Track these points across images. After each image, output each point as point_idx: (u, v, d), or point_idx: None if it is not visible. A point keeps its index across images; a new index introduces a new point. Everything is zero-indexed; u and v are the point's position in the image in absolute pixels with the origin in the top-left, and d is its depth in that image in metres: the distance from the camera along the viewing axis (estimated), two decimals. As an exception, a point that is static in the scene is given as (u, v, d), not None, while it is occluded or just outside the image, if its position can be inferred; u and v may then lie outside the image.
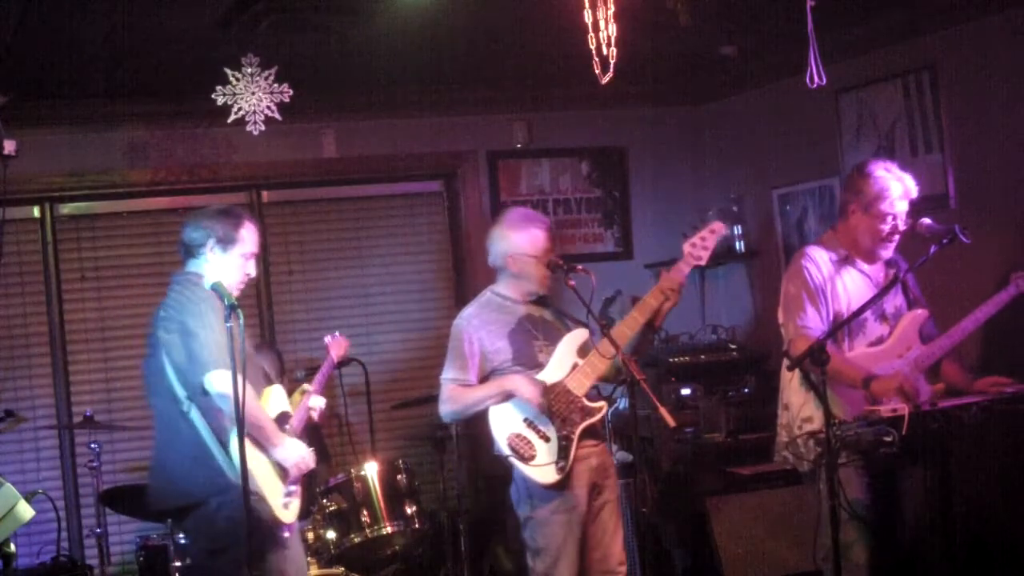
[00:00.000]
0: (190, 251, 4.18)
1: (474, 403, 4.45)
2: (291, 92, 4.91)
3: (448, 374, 4.52)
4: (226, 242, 4.13)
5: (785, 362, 4.39)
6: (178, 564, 5.10)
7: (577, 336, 4.45)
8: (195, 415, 3.94)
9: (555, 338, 4.46)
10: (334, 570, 5.16)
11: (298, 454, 4.07)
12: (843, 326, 4.27)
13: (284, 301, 6.61)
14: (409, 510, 5.52)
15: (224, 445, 3.92)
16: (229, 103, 4.89)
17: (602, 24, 3.71)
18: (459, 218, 6.82)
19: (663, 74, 6.64)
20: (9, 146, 5.34)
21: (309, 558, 5.01)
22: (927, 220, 4.31)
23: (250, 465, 3.80)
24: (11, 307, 6.17)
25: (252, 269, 4.22)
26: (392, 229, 6.80)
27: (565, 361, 4.40)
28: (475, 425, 6.33)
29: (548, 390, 4.32)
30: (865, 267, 4.42)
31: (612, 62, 3.73)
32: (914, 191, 4.36)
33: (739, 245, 6.83)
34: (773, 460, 4.60)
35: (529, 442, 4.32)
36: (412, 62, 5.87)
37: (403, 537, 5.51)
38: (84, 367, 6.27)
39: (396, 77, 6.19)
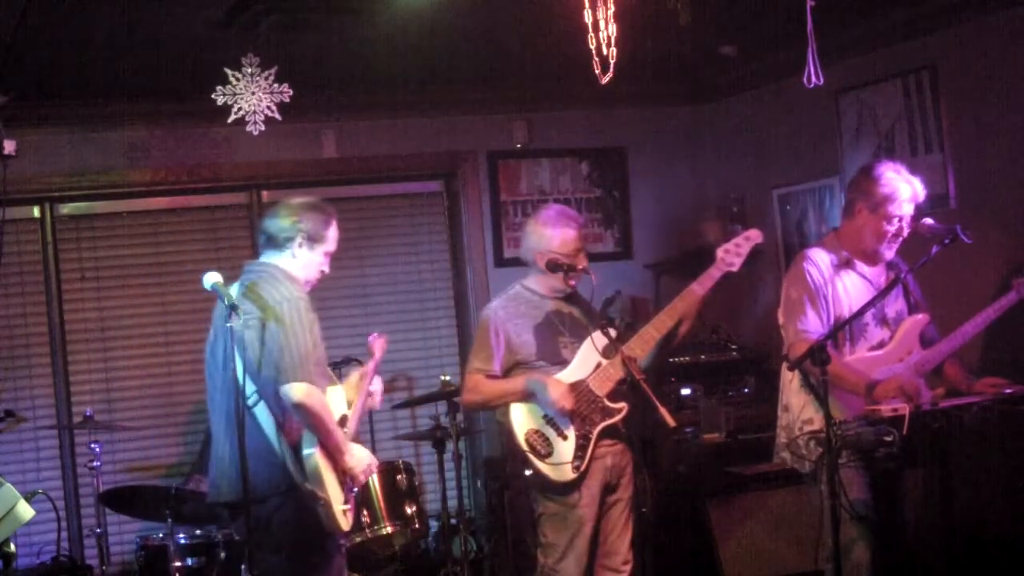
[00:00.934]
0: (274, 242, 4.01)
1: (496, 397, 4.46)
2: (291, 92, 4.90)
3: (474, 364, 4.53)
4: (314, 239, 4.02)
5: (786, 364, 4.39)
6: (177, 564, 5.11)
7: (603, 336, 4.44)
8: (261, 411, 3.84)
9: (581, 335, 4.47)
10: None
11: (365, 461, 4.03)
12: (843, 327, 4.27)
13: (284, 301, 6.60)
14: (409, 510, 5.53)
15: (295, 448, 3.84)
16: (229, 103, 4.88)
17: (602, 24, 3.71)
18: (459, 218, 6.82)
19: (663, 74, 6.64)
20: (9, 146, 5.34)
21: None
22: (928, 220, 4.32)
23: (322, 476, 3.80)
24: (11, 307, 6.17)
25: (327, 266, 4.13)
26: (392, 229, 6.80)
27: (589, 360, 4.41)
28: (476, 424, 6.37)
29: (571, 390, 4.33)
30: (866, 270, 4.42)
31: (612, 62, 3.73)
32: (922, 194, 4.37)
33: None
34: (773, 461, 4.60)
35: (547, 439, 4.34)
36: (412, 62, 5.87)
37: (403, 537, 5.51)
38: (84, 367, 6.27)
39: (396, 77, 6.19)
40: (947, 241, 4.18)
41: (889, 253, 4.40)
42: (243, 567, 4.89)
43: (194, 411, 6.27)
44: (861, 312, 4.26)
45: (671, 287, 6.28)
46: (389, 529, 5.42)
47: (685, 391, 6.14)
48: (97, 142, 6.21)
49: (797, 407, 4.37)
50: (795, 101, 6.27)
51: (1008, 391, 4.19)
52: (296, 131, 6.23)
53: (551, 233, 4.46)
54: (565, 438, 4.34)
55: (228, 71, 4.86)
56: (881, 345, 4.37)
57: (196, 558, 5.18)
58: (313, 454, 3.85)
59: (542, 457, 4.32)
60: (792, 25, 4.17)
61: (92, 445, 5.39)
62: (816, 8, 3.69)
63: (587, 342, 4.43)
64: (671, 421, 4.01)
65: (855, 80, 5.99)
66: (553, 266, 4.44)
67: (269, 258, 4.05)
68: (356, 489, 4.09)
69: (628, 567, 4.50)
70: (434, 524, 6.06)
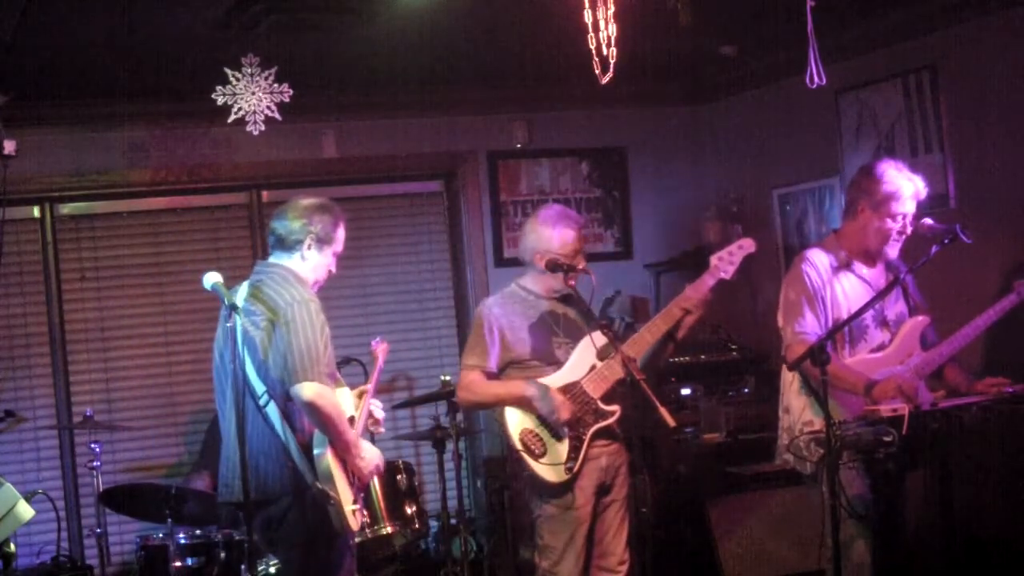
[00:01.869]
0: (284, 243, 4.02)
1: (491, 400, 4.46)
2: (291, 92, 4.90)
3: (469, 360, 4.52)
4: (324, 241, 4.04)
5: (785, 366, 4.39)
6: (177, 564, 5.10)
7: (598, 338, 4.44)
8: (272, 411, 3.84)
9: (576, 336, 4.47)
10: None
11: (374, 460, 4.06)
12: (842, 328, 4.26)
13: (284, 301, 6.61)
14: (409, 510, 5.53)
15: (306, 448, 3.85)
16: (229, 103, 4.88)
17: (602, 24, 3.71)
18: (459, 218, 6.82)
19: (663, 74, 6.64)
20: (9, 146, 5.35)
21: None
22: (928, 220, 4.33)
23: (333, 476, 3.81)
24: (11, 307, 6.17)
25: (335, 267, 4.16)
26: (392, 229, 6.80)
27: (584, 362, 4.41)
28: (476, 424, 6.37)
29: (563, 392, 4.33)
30: (865, 272, 4.42)
31: (612, 62, 3.73)
32: (923, 192, 4.38)
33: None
34: (775, 463, 4.60)
35: (541, 440, 4.34)
36: (412, 62, 5.87)
37: (403, 537, 5.51)
38: (84, 367, 6.27)
39: (396, 77, 6.19)
40: (947, 241, 4.18)
41: (893, 252, 4.40)
42: (243, 567, 4.91)
43: (194, 411, 6.27)
44: (860, 313, 4.26)
45: (671, 287, 6.29)
46: (389, 529, 5.41)
47: (685, 391, 6.14)
48: (97, 142, 6.21)
49: (798, 409, 4.37)
50: (795, 101, 6.27)
51: (1009, 391, 4.19)
52: (296, 131, 6.23)
53: (551, 233, 4.45)
54: (559, 439, 4.33)
55: (228, 71, 4.86)
56: (881, 347, 4.37)
57: (196, 558, 5.17)
58: (325, 453, 3.85)
59: (536, 457, 4.31)
60: (792, 25, 4.17)
61: (92, 445, 5.39)
62: (816, 8, 3.69)
63: (582, 344, 4.43)
64: (671, 421, 4.00)
65: (855, 80, 5.99)
66: (553, 266, 4.43)
67: (279, 259, 4.06)
68: (362, 492, 4.10)
69: (624, 567, 4.50)
70: (434, 524, 6.05)
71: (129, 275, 6.36)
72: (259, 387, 3.85)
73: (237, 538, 5.05)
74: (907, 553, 4.42)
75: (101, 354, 6.29)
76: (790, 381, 4.42)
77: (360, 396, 4.41)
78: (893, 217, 4.32)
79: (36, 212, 6.24)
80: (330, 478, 3.85)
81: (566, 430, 4.33)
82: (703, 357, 6.32)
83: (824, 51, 3.77)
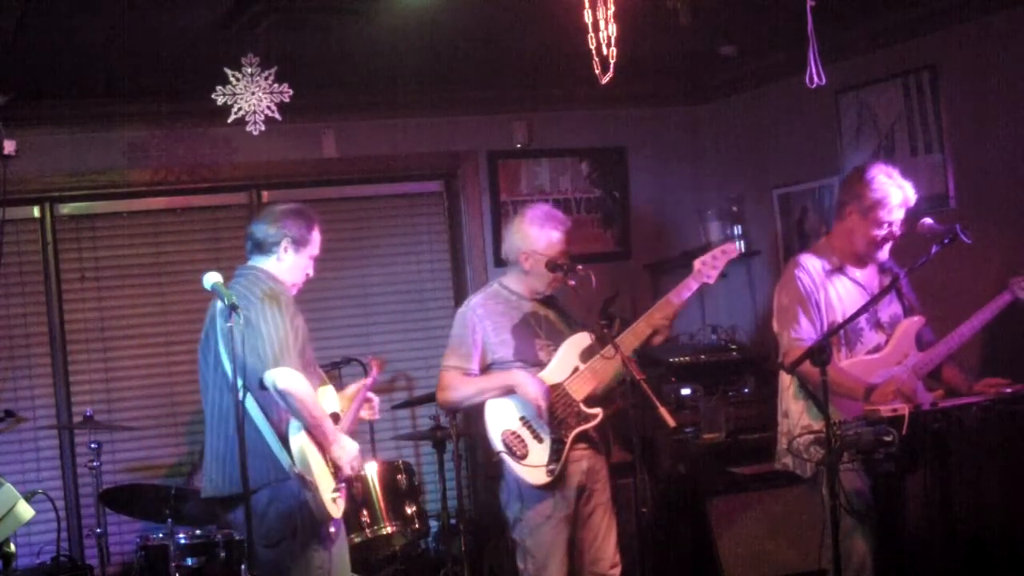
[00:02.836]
0: (261, 247, 4.21)
1: (474, 394, 4.43)
2: (291, 92, 4.90)
3: (450, 361, 4.51)
4: (299, 243, 4.20)
5: (783, 369, 4.39)
6: (178, 564, 5.11)
7: (580, 340, 4.44)
8: (251, 403, 3.94)
9: (558, 339, 4.46)
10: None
11: (351, 453, 4.12)
12: (839, 330, 4.24)
13: (284, 301, 6.60)
14: (409, 510, 5.53)
15: (283, 438, 3.95)
16: (229, 103, 4.88)
17: (602, 24, 3.71)
18: (459, 218, 6.82)
19: (663, 74, 6.64)
20: (9, 146, 5.36)
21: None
22: (928, 220, 4.31)
23: (309, 460, 3.90)
24: (11, 307, 6.17)
25: (312, 270, 4.30)
26: (392, 229, 6.80)
27: (567, 364, 4.40)
28: (476, 424, 6.37)
29: (549, 391, 4.32)
30: (858, 275, 4.41)
31: (612, 62, 3.73)
32: (913, 199, 4.35)
33: (739, 245, 6.83)
34: (775, 466, 4.60)
35: (523, 441, 4.32)
36: (412, 62, 5.87)
37: (403, 537, 5.51)
38: (84, 367, 6.26)
39: (396, 77, 6.19)
40: (947, 241, 4.18)
41: (880, 256, 4.39)
42: (243, 567, 4.91)
43: (194, 411, 6.26)
44: (859, 314, 4.26)
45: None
46: (389, 529, 5.42)
47: (685, 391, 6.14)
48: (97, 142, 6.20)
49: (796, 413, 4.37)
50: (795, 101, 6.27)
51: (1008, 391, 4.19)
52: (296, 131, 6.23)
53: (537, 234, 4.44)
54: (540, 440, 4.33)
55: (228, 71, 4.86)
56: (877, 349, 4.37)
57: (196, 558, 5.19)
58: (299, 436, 3.93)
59: (518, 459, 4.30)
60: (792, 25, 4.17)
61: (92, 445, 5.39)
62: (816, 8, 3.70)
63: (564, 346, 4.42)
64: (671, 421, 4.01)
65: (855, 80, 5.99)
66: (553, 266, 4.43)
67: (257, 262, 4.23)
68: (344, 482, 4.13)
69: (617, 570, 4.50)
70: (434, 524, 6.05)
71: (129, 275, 6.35)
72: (239, 382, 3.92)
73: (237, 538, 5.06)
74: (907, 553, 4.41)
75: (101, 354, 6.29)
76: (787, 385, 4.42)
77: (350, 398, 4.45)
78: (879, 224, 4.30)
79: (36, 212, 6.24)
80: (306, 463, 3.93)
81: (548, 432, 4.31)
82: (703, 357, 6.32)
83: (824, 51, 3.77)
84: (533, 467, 4.29)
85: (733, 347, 6.42)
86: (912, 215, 4.40)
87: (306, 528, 3.97)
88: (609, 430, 4.59)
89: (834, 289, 4.37)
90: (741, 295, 6.89)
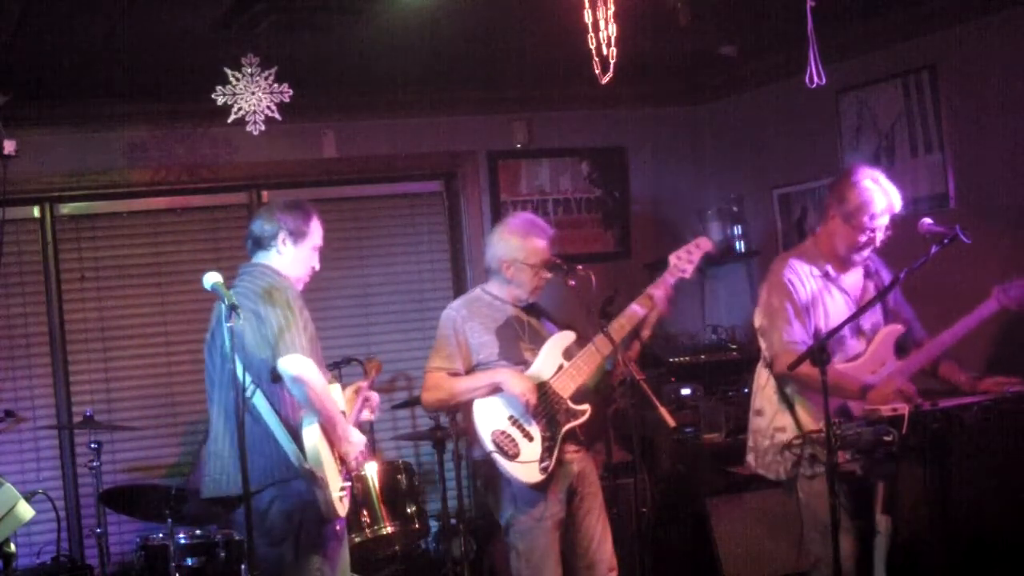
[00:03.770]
0: (260, 243, 4.21)
1: (461, 392, 4.41)
2: (291, 92, 4.91)
3: (434, 363, 4.50)
4: (297, 235, 4.19)
5: (759, 365, 4.38)
6: (178, 564, 5.11)
7: (563, 338, 4.45)
8: (259, 400, 3.94)
9: (540, 344, 4.47)
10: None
11: (358, 446, 4.13)
12: (835, 333, 4.18)
13: (284, 301, 6.60)
14: (409, 510, 5.53)
15: (295, 434, 3.94)
16: (229, 103, 4.89)
17: (602, 24, 3.72)
18: (459, 218, 6.82)
19: (663, 74, 6.64)
20: (9, 146, 5.35)
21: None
22: (928, 220, 4.27)
23: (321, 456, 3.89)
24: (11, 307, 6.17)
25: (317, 262, 4.28)
26: (392, 229, 6.80)
27: (551, 362, 4.41)
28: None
29: (536, 387, 4.32)
30: (844, 281, 4.38)
31: (612, 62, 3.73)
32: (898, 205, 4.29)
33: (739, 245, 6.83)
34: (744, 464, 4.60)
35: (513, 440, 4.30)
36: (412, 62, 5.87)
37: (403, 537, 5.51)
38: (84, 367, 6.26)
39: (396, 77, 6.19)
40: (947, 241, 4.15)
41: (859, 259, 4.35)
42: (243, 567, 4.91)
43: (194, 411, 6.27)
44: (858, 315, 4.24)
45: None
46: (389, 529, 5.42)
47: (685, 391, 6.14)
48: (97, 142, 6.21)
49: (770, 413, 4.36)
50: (795, 101, 6.27)
51: (1012, 390, 4.17)
52: (296, 131, 6.23)
53: (518, 243, 4.43)
54: (531, 439, 4.31)
55: (228, 71, 4.86)
56: (858, 357, 4.34)
57: (196, 558, 5.18)
58: (313, 431, 3.92)
59: (510, 458, 4.27)
60: (792, 25, 4.17)
61: (92, 445, 5.39)
62: (816, 8, 3.70)
63: (547, 344, 4.42)
64: (671, 421, 4.01)
65: (855, 80, 5.99)
66: (552, 266, 4.43)
67: (258, 259, 4.22)
68: (349, 480, 4.12)
69: (614, 574, 4.49)
70: (434, 524, 6.05)
71: (129, 275, 6.36)
72: (247, 379, 3.92)
73: (237, 538, 5.06)
74: (907, 554, 4.41)
75: (101, 354, 6.29)
76: (763, 384, 4.40)
77: (350, 398, 4.44)
78: (862, 229, 4.25)
79: (36, 212, 6.24)
80: (319, 459, 3.91)
81: (538, 430, 4.31)
82: (703, 357, 6.32)
83: (824, 51, 3.77)
84: (526, 464, 4.26)
85: (733, 347, 6.43)
86: (912, 215, 4.39)
87: (309, 527, 3.96)
88: (608, 430, 4.58)
89: (820, 294, 4.33)
90: (741, 295, 6.89)
